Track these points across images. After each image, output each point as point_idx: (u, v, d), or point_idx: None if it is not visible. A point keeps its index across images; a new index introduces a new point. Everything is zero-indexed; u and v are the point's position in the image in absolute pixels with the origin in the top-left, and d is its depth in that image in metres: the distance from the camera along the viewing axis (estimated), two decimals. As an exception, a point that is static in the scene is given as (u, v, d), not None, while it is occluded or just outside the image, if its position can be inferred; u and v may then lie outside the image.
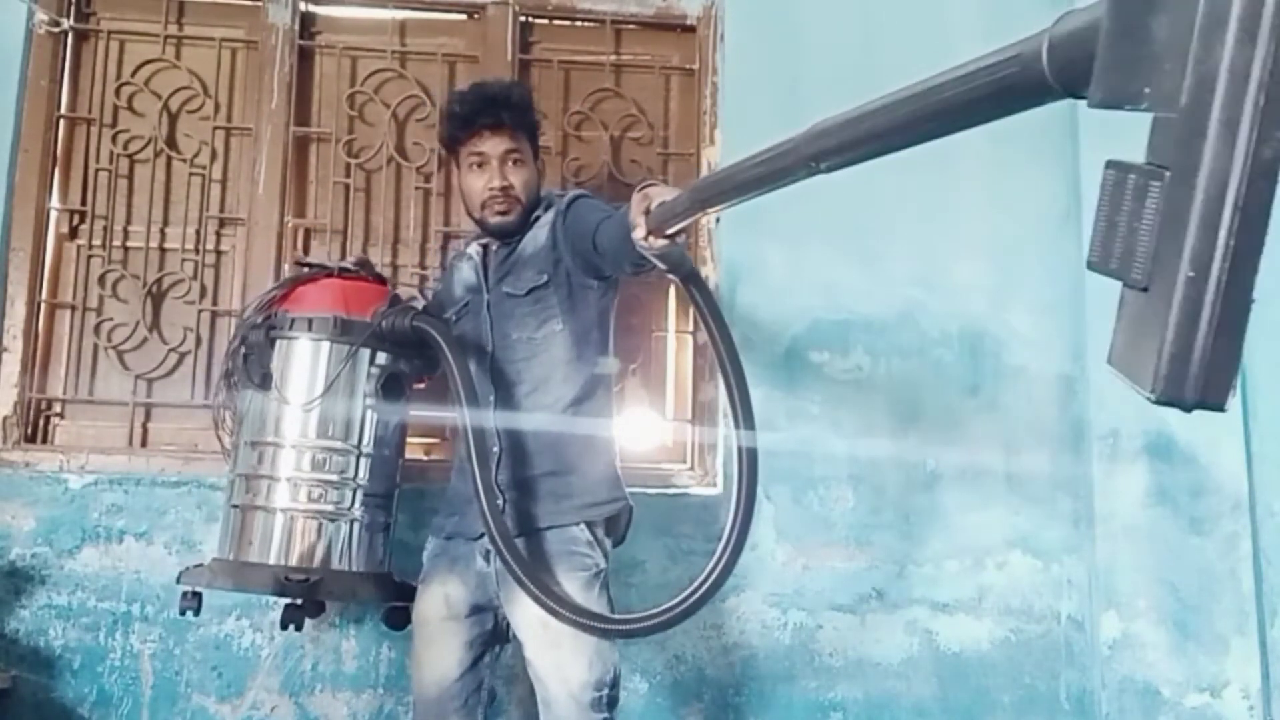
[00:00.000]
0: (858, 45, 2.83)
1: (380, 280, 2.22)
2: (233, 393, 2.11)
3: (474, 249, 2.19)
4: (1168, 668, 2.52)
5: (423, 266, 2.74)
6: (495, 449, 1.98)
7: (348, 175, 2.76)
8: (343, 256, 2.71)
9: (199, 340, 2.68)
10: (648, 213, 1.52)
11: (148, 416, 2.66)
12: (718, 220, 2.76)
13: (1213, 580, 2.55)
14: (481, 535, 1.93)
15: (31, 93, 2.66)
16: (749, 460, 1.74)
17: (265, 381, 2.01)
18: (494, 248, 2.14)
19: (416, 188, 2.77)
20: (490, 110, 2.04)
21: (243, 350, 2.04)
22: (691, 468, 2.70)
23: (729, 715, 2.54)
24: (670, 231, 1.51)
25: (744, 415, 1.75)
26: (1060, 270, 2.76)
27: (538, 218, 2.12)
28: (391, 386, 2.06)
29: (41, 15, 2.68)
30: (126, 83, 2.76)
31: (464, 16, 2.87)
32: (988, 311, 2.76)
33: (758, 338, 2.68)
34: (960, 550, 2.66)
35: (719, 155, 2.78)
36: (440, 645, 2.01)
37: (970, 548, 2.66)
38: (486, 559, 1.96)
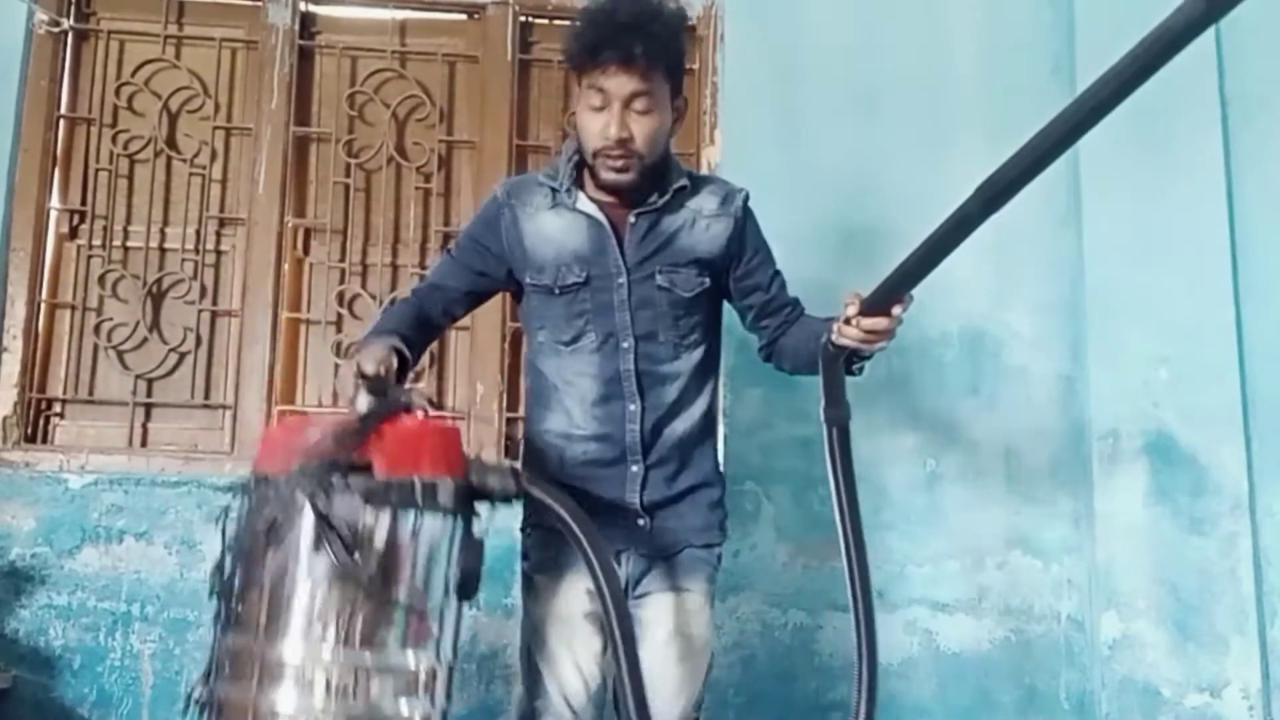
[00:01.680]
0: (858, 45, 2.83)
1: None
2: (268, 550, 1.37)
3: (588, 206, 1.75)
4: (1168, 668, 2.51)
5: (422, 266, 2.74)
6: (636, 468, 1.73)
7: (348, 175, 2.76)
8: (343, 275, 2.72)
9: (199, 340, 2.68)
10: (858, 298, 1.60)
11: (148, 416, 2.66)
12: (718, 220, 2.75)
13: (1213, 580, 2.54)
14: (626, 549, 1.72)
15: (31, 93, 2.66)
16: (868, 639, 1.66)
17: (357, 570, 1.33)
18: (631, 220, 1.74)
19: (416, 188, 2.77)
20: (621, 42, 1.62)
21: (320, 514, 1.34)
22: (692, 467, 2.70)
23: (729, 715, 2.53)
24: (884, 304, 1.59)
25: (863, 595, 1.68)
26: (1060, 270, 2.76)
27: (683, 187, 1.77)
28: (473, 568, 1.45)
29: (41, 15, 2.68)
30: (126, 83, 2.76)
31: (464, 16, 2.87)
32: (988, 311, 2.76)
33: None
34: (960, 550, 2.66)
35: (719, 155, 2.78)
36: (583, 646, 1.65)
37: (970, 548, 2.66)
38: (619, 558, 1.71)
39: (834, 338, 1.65)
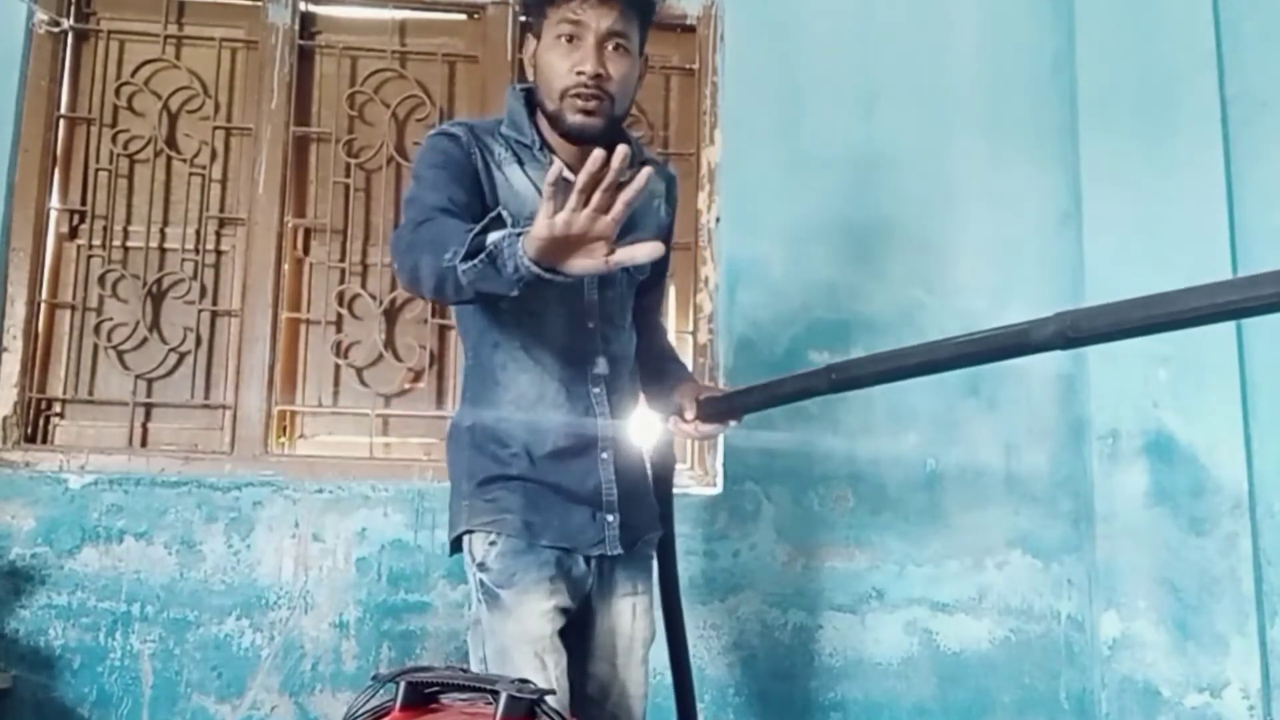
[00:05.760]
0: (857, 45, 2.83)
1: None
2: None
3: (561, 167, 1.42)
4: (1168, 668, 2.51)
5: (423, 266, 2.74)
6: (606, 454, 1.65)
7: (348, 175, 2.76)
8: (343, 275, 2.71)
9: (199, 340, 2.68)
10: (698, 402, 1.67)
11: (148, 416, 2.66)
12: (718, 220, 2.76)
13: (1213, 580, 2.54)
14: (598, 552, 1.64)
15: (31, 93, 2.66)
16: None
17: None
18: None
19: (416, 188, 2.77)
20: None
21: None
22: (691, 467, 2.70)
23: (729, 715, 2.53)
24: (720, 419, 1.68)
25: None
26: (1060, 270, 2.76)
27: (645, 162, 1.62)
28: None
29: (41, 15, 2.68)
30: (126, 83, 2.76)
31: (464, 16, 2.87)
32: (988, 311, 2.75)
33: (758, 338, 2.68)
34: (960, 550, 2.65)
35: (719, 155, 2.78)
36: (555, 664, 1.57)
37: (970, 548, 2.66)
38: (588, 563, 1.65)
39: (670, 427, 1.75)
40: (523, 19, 1.64)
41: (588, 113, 1.55)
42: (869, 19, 2.84)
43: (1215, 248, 2.68)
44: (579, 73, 1.54)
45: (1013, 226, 2.79)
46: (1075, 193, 2.74)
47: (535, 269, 1.28)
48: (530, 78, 1.65)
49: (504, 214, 1.50)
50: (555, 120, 1.59)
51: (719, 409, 1.68)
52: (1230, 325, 2.65)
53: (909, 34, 2.84)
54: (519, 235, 1.30)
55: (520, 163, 1.62)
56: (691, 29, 2.88)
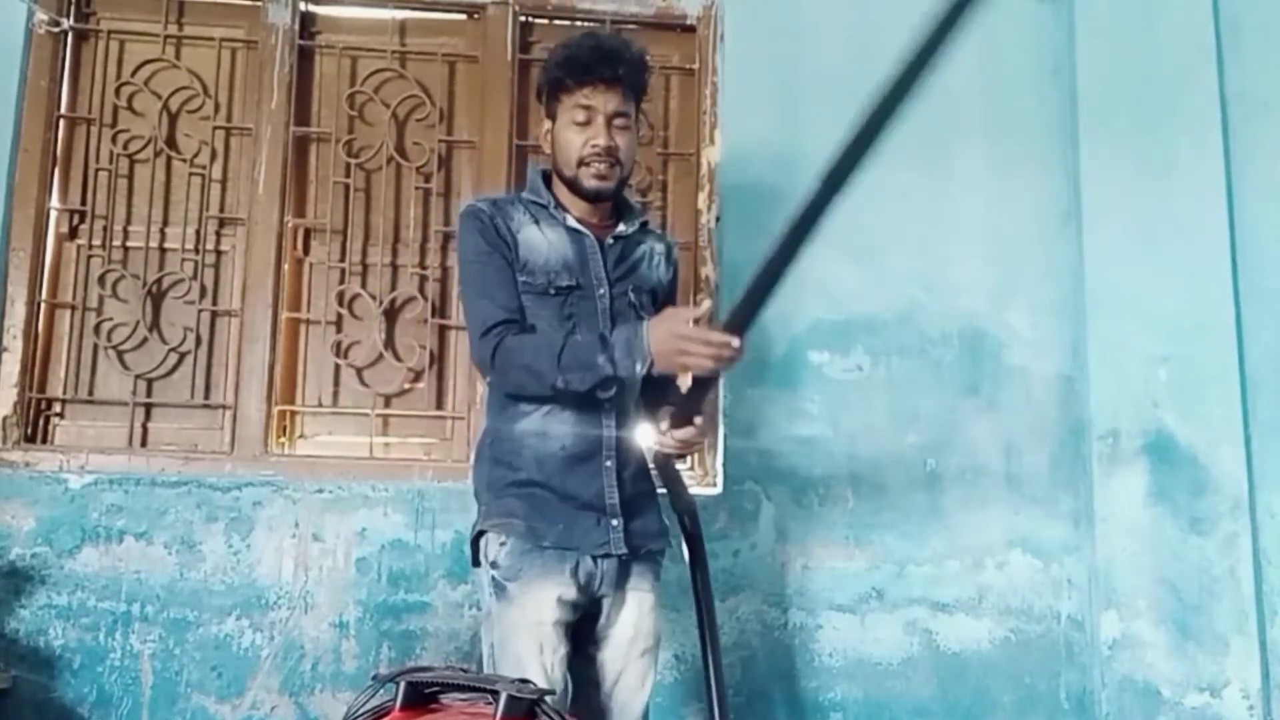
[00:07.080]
0: (858, 46, 2.82)
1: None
2: None
3: (575, 224, 1.93)
4: (1168, 668, 2.52)
5: (422, 266, 2.74)
6: (610, 463, 1.86)
7: (348, 175, 2.76)
8: (343, 275, 2.71)
9: (199, 340, 2.68)
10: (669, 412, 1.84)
11: (148, 416, 2.66)
12: (718, 220, 2.76)
13: (1213, 580, 2.55)
14: (602, 553, 1.82)
15: (31, 93, 2.66)
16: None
17: None
18: (609, 240, 1.95)
19: (416, 188, 2.77)
20: (609, 63, 1.86)
21: None
22: (691, 467, 2.70)
23: (729, 715, 2.53)
24: (685, 418, 1.82)
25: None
26: (1060, 270, 2.76)
27: (645, 222, 2.03)
28: None
29: (41, 15, 2.68)
30: (126, 83, 2.76)
31: (464, 16, 2.87)
32: (988, 311, 2.76)
33: (758, 338, 2.67)
34: (960, 550, 2.66)
35: (719, 155, 2.78)
36: (552, 651, 1.76)
37: (970, 548, 2.66)
38: (596, 561, 1.82)
39: (657, 450, 1.88)
40: (540, 101, 1.99)
41: (601, 177, 1.88)
42: (869, 19, 2.84)
43: (1215, 248, 2.68)
44: (594, 145, 1.86)
45: (1013, 227, 2.80)
46: (1075, 193, 2.74)
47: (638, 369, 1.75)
48: (546, 150, 1.98)
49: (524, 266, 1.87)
50: (574, 185, 1.91)
51: (676, 414, 1.81)
52: (1230, 325, 2.65)
53: (909, 34, 2.83)
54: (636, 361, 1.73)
55: (536, 222, 1.92)
56: (691, 29, 2.88)
